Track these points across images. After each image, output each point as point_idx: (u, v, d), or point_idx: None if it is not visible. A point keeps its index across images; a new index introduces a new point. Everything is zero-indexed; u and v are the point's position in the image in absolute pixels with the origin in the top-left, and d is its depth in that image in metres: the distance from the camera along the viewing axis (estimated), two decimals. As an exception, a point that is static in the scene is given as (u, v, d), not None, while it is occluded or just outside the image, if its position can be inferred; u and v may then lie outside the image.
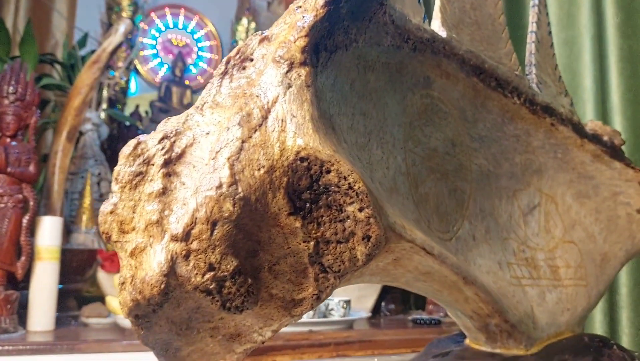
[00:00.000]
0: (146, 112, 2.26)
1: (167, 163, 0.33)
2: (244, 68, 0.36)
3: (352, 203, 0.35)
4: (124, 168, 0.32)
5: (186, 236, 0.32)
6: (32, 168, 1.16)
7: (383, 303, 1.54)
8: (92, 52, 1.61)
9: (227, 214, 0.32)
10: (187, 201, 0.32)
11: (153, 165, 0.33)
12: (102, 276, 1.39)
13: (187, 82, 2.48)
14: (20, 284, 1.19)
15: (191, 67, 2.64)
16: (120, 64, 2.09)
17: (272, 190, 0.34)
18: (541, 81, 0.68)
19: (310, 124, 0.33)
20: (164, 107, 2.32)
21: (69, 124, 1.31)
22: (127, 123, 1.97)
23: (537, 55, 0.69)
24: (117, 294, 1.10)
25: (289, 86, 0.34)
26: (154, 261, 0.32)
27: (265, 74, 0.34)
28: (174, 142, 0.33)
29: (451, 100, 0.56)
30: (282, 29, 0.36)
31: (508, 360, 0.52)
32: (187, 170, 0.33)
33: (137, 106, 2.20)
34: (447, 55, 0.53)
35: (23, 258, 1.14)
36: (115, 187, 0.33)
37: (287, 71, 0.34)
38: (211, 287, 0.33)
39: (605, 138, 0.72)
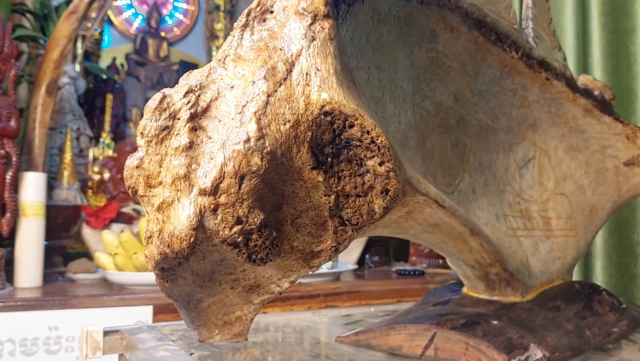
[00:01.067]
0: (122, 65, 2.20)
1: (192, 117, 0.32)
2: (264, 20, 0.35)
3: (373, 157, 0.36)
4: (149, 122, 0.32)
5: (214, 190, 0.32)
6: (13, 123, 1.14)
7: (367, 256, 1.57)
8: (66, 2, 1.55)
9: (254, 168, 0.32)
10: (215, 155, 0.32)
11: (179, 119, 0.32)
12: (87, 232, 1.38)
13: (163, 34, 2.42)
14: (6, 241, 1.18)
15: (167, 18, 2.57)
16: (93, 14, 2.02)
17: (296, 144, 0.34)
18: (537, 35, 0.69)
19: (335, 78, 0.34)
20: (140, 60, 2.26)
21: (48, 78, 1.27)
22: (104, 77, 1.93)
23: (533, 9, 0.69)
24: (109, 250, 1.09)
25: (313, 39, 0.33)
26: (183, 215, 0.32)
27: (287, 27, 0.34)
28: (199, 95, 0.33)
29: (454, 54, 0.56)
30: (303, -20, 0.35)
31: (506, 306, 0.54)
32: (213, 124, 0.33)
33: (114, 59, 2.14)
34: (452, 8, 0.53)
35: (8, 215, 1.13)
36: (141, 141, 0.32)
37: (311, 24, 0.33)
38: (238, 240, 0.34)
39: (596, 92, 0.73)
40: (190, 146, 0.32)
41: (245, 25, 0.35)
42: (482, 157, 0.60)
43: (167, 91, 0.32)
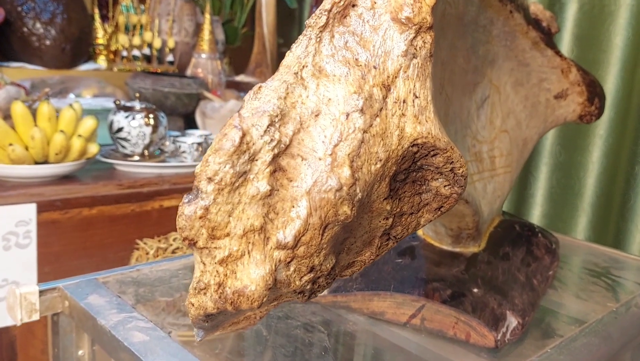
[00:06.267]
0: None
1: (274, 158, 0.26)
2: (345, 17, 0.28)
3: (438, 179, 0.32)
4: (224, 168, 0.25)
5: (295, 244, 0.27)
6: None
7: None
8: None
9: (342, 218, 0.27)
10: (297, 203, 0.26)
11: (257, 160, 0.25)
12: None
13: None
14: None
15: None
16: None
17: (379, 180, 0.29)
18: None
19: (432, 106, 0.28)
20: None
21: None
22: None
23: None
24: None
25: (414, 57, 0.27)
26: (255, 273, 0.27)
27: (382, 36, 0.27)
28: (280, 128, 0.26)
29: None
30: (397, -33, 0.28)
31: (469, 258, 0.56)
32: (295, 163, 0.26)
33: None
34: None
35: None
36: (208, 187, 0.25)
37: (413, 38, 0.27)
38: (307, 287, 0.29)
39: (544, 24, 0.73)
40: (270, 193, 0.26)
41: (325, 26, 0.27)
42: (455, 104, 0.58)
43: (243, 124, 0.25)
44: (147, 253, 1.03)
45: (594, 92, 0.77)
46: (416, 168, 0.31)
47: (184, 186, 1.13)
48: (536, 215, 1.34)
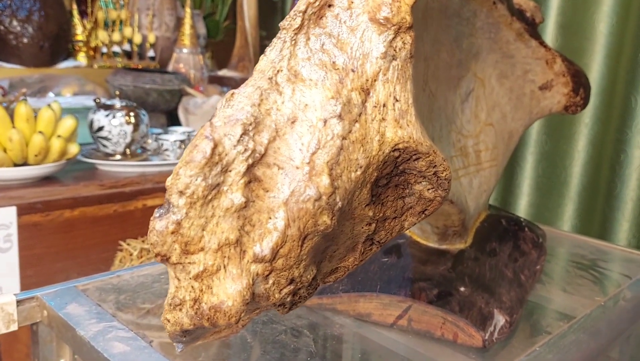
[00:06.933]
0: None
1: (249, 168, 0.25)
2: (321, 18, 0.27)
3: (421, 182, 0.31)
4: (196, 181, 0.23)
5: (273, 257, 0.26)
6: None
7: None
8: None
9: (322, 228, 0.26)
10: (275, 214, 0.25)
11: (231, 171, 0.24)
12: None
13: None
14: None
15: None
16: None
17: (360, 187, 0.28)
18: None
19: (413, 110, 0.27)
20: None
21: None
22: None
23: None
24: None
25: (393, 59, 0.26)
26: (231, 288, 0.26)
27: (359, 38, 0.26)
28: (254, 136, 0.25)
29: (436, -8, 0.50)
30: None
31: (456, 255, 0.55)
32: (271, 172, 0.25)
33: None
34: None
35: None
36: (179, 201, 0.24)
37: (393, 39, 0.26)
38: (287, 300, 0.28)
39: (528, 14, 0.72)
40: (245, 205, 0.25)
41: (300, 28, 0.26)
42: (440, 100, 0.57)
43: (214, 134, 0.24)
44: (131, 254, 1.01)
45: (579, 82, 0.76)
46: (398, 172, 0.30)
47: (168, 184, 1.11)
48: (523, 204, 1.34)
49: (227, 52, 1.80)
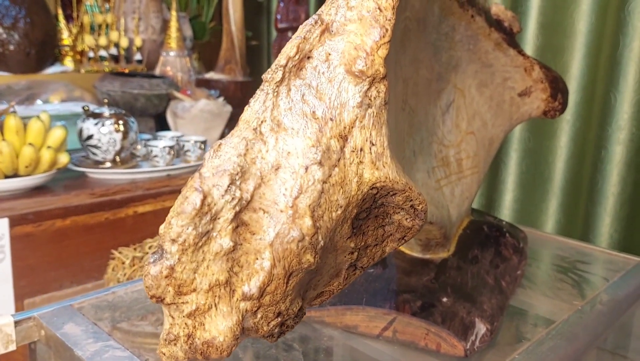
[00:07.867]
0: None
1: (236, 215, 0.26)
2: (300, 69, 0.28)
3: (400, 212, 0.33)
4: (187, 230, 0.25)
5: (261, 295, 0.28)
6: None
7: (226, 130, 1.52)
8: None
9: (306, 266, 0.28)
10: (261, 255, 0.27)
11: (220, 218, 0.26)
12: None
13: None
14: None
15: None
16: None
17: (342, 224, 0.30)
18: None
19: (388, 151, 0.29)
20: None
21: None
22: None
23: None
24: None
25: (369, 107, 0.28)
26: (222, 324, 0.28)
27: (337, 88, 0.28)
28: (241, 185, 0.26)
29: (414, 12, 0.52)
30: (349, 18, 0.28)
31: (439, 265, 0.57)
32: (257, 216, 0.27)
33: None
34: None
35: None
36: (172, 248, 0.26)
37: (368, 89, 0.28)
38: (275, 331, 0.30)
39: (506, 24, 0.74)
40: (233, 248, 0.27)
41: (282, 80, 0.28)
42: (420, 114, 0.59)
43: (204, 185, 0.25)
44: (123, 263, 1.03)
45: (557, 88, 0.78)
46: (377, 205, 0.32)
47: (157, 190, 1.13)
48: (507, 200, 1.37)
49: (214, 53, 1.81)
